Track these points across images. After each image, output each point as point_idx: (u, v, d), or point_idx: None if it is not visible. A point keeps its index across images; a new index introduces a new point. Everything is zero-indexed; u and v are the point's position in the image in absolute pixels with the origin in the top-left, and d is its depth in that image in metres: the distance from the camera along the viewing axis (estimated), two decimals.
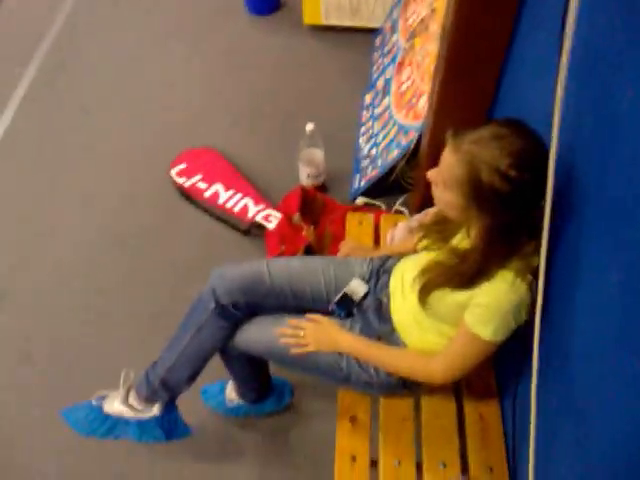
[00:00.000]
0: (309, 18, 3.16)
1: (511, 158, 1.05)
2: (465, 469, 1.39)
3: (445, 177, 1.14)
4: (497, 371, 1.56)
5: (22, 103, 3.00)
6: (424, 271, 1.27)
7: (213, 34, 3.32)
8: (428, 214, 1.80)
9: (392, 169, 2.27)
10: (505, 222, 1.12)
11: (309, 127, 2.34)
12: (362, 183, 2.43)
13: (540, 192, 0.98)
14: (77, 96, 3.03)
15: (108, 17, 3.47)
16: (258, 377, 1.75)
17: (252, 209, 2.40)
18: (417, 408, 1.50)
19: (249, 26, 3.33)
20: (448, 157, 1.13)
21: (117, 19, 3.46)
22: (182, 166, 2.61)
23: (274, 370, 1.79)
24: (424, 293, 1.26)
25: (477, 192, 1.09)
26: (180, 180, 2.56)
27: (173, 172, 2.59)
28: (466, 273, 1.18)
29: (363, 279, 1.54)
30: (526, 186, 1.05)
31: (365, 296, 1.51)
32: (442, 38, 1.61)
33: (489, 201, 1.09)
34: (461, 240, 1.30)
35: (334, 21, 3.15)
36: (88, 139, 2.83)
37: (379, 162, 2.38)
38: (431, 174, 1.19)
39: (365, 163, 2.51)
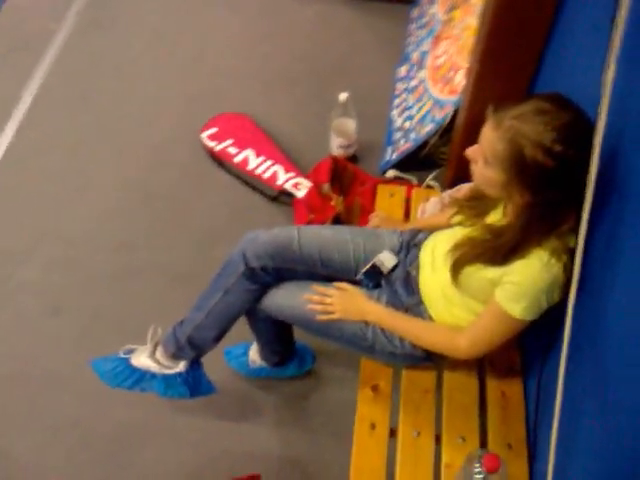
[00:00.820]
0: None
1: (555, 133, 1.03)
2: (484, 444, 1.41)
3: (486, 154, 1.13)
4: (522, 349, 1.57)
5: (55, 60, 3.01)
6: (457, 246, 1.27)
7: (249, 0, 3.29)
8: (461, 190, 1.79)
9: (425, 143, 2.25)
10: (547, 199, 1.10)
11: (342, 97, 2.32)
12: (394, 156, 2.41)
13: (584, 169, 0.97)
14: (111, 55, 3.03)
15: None
16: (282, 341, 1.78)
17: (282, 176, 2.40)
18: (439, 381, 1.52)
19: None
20: (489, 133, 1.12)
21: None
22: (213, 130, 2.62)
23: (297, 335, 1.81)
24: (456, 268, 1.26)
25: (520, 168, 1.08)
26: (211, 144, 2.56)
27: (204, 135, 2.60)
28: (500, 250, 1.17)
29: (392, 251, 1.54)
30: (570, 162, 1.04)
31: (394, 268, 1.51)
32: (484, 10, 1.58)
33: (532, 177, 1.08)
34: (496, 216, 1.29)
35: None
36: (121, 98, 2.84)
37: (412, 135, 2.36)
38: (471, 151, 1.18)
39: (398, 135, 2.49)
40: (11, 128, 2.72)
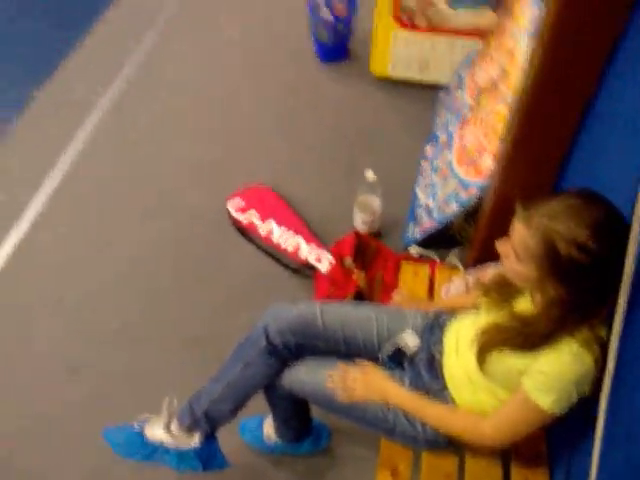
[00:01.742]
0: (377, 69, 3.24)
1: (589, 229, 1.04)
2: None
3: (518, 250, 1.14)
4: (549, 436, 1.51)
5: (99, 121, 3.13)
6: (484, 332, 1.26)
7: (281, 75, 3.42)
8: (486, 270, 1.78)
9: (449, 223, 2.27)
10: (580, 292, 1.10)
11: (369, 175, 2.37)
12: (417, 233, 2.43)
13: (618, 262, 0.97)
14: (148, 121, 3.15)
15: (186, 43, 3.62)
16: (299, 417, 1.74)
17: (304, 249, 2.42)
18: (461, 466, 1.46)
19: (317, 72, 3.42)
20: (520, 230, 1.13)
21: (193, 47, 3.60)
22: (238, 199, 2.67)
23: (313, 411, 1.77)
24: (483, 354, 1.24)
25: (554, 265, 1.08)
26: (235, 213, 2.61)
27: (230, 205, 2.65)
28: (529, 338, 1.16)
29: (416, 331, 1.53)
30: (605, 257, 1.04)
31: (417, 349, 1.50)
32: (516, 100, 1.63)
33: (566, 273, 1.08)
34: (524, 303, 1.28)
35: (401, 74, 3.21)
36: (153, 163, 2.93)
37: (436, 214, 2.38)
38: (501, 246, 1.19)
39: (421, 213, 2.52)
40: (50, 186, 2.81)
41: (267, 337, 1.48)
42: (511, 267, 1.18)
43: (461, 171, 2.33)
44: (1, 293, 2.41)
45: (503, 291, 1.34)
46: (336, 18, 3.26)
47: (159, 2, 3.93)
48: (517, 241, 1.13)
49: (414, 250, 2.38)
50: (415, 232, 2.46)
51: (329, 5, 3.26)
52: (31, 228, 2.64)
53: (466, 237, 2.32)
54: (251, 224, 2.56)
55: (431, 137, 2.90)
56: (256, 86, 3.36)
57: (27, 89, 3.32)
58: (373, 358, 1.52)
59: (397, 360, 1.50)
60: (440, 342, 1.46)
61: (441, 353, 1.44)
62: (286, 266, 2.42)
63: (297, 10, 3.57)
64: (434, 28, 3.00)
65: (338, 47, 3.44)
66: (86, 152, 2.99)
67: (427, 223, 2.43)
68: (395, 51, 3.11)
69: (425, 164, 2.78)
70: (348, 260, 2.24)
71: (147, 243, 2.57)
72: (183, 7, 3.90)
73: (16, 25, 3.81)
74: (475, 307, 1.42)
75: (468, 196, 2.17)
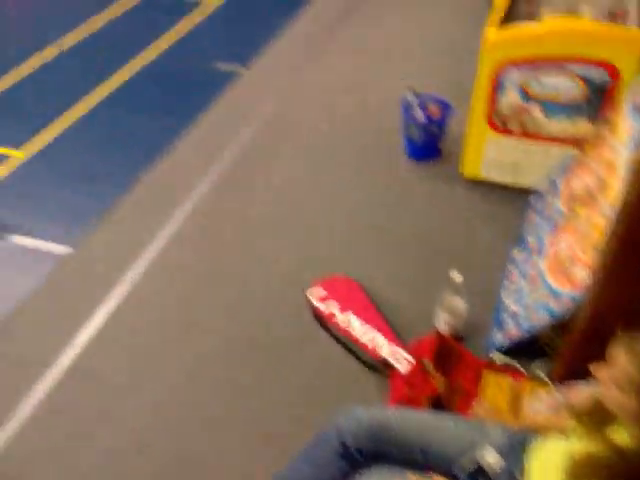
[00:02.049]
0: (467, 171, 3.26)
1: None
2: None
3: (619, 379, 1.07)
4: None
5: (192, 210, 3.29)
6: (577, 463, 1.16)
7: (368, 168, 3.50)
8: (577, 391, 1.67)
9: (537, 333, 2.17)
10: None
11: (455, 276, 2.33)
12: (501, 340, 2.33)
13: None
14: (240, 208, 3.28)
15: (273, 143, 3.81)
16: None
17: (383, 345, 2.38)
18: None
19: (406, 169, 3.48)
20: (623, 358, 1.07)
21: (280, 147, 3.77)
22: (319, 289, 2.68)
23: None
24: None
25: None
26: (315, 302, 2.62)
27: (310, 293, 2.66)
28: (628, 475, 1.06)
29: (498, 449, 1.43)
30: None
31: (500, 471, 1.39)
32: (618, 217, 1.57)
33: None
34: (621, 433, 1.18)
35: (492, 177, 3.21)
36: (240, 248, 3.02)
37: (523, 322, 2.29)
38: (600, 373, 1.13)
39: (507, 319, 2.43)
40: (140, 267, 2.95)
41: (341, 440, 1.44)
42: (610, 396, 1.10)
43: (552, 280, 2.25)
44: (84, 365, 2.50)
45: (597, 417, 1.24)
46: (429, 119, 3.34)
47: (256, 100, 4.19)
48: (619, 369, 1.06)
49: (497, 358, 2.28)
50: (500, 339, 2.37)
51: (423, 106, 3.36)
52: (118, 306, 2.75)
53: (554, 350, 2.20)
54: (331, 314, 2.55)
55: (520, 241, 2.83)
56: (343, 179, 3.45)
57: (134, 172, 3.57)
58: (449, 471, 1.43)
59: (476, 478, 1.40)
60: (523, 465, 1.36)
61: (523, 477, 1.33)
62: (363, 361, 2.38)
63: (389, 105, 3.70)
64: (528, 134, 3.00)
65: (429, 146, 3.50)
66: (179, 237, 3.14)
67: (513, 330, 2.33)
68: (487, 154, 3.13)
69: (512, 268, 2.71)
70: (428, 362, 2.17)
71: (224, 327, 2.61)
72: (277, 105, 4.12)
73: (129, 112, 4.16)
74: (564, 430, 1.32)
75: (559, 307, 2.08)
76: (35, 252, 3.10)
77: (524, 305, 2.38)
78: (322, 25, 5.07)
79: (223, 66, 4.56)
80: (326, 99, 4.14)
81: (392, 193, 3.34)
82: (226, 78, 4.39)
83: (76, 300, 2.80)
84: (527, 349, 2.25)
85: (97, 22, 5.30)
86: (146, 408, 2.31)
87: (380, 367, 2.33)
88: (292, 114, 4.02)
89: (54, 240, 3.14)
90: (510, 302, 2.50)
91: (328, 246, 3.02)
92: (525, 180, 3.13)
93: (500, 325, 2.44)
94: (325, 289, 2.68)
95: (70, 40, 5.02)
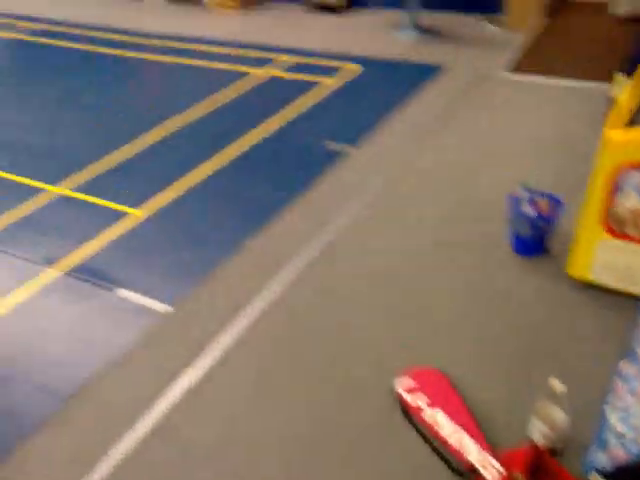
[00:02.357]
0: (574, 271, 3.11)
1: None
2: None
3: None
4: None
5: (291, 282, 3.36)
6: None
7: (471, 260, 3.43)
8: None
9: None
10: None
11: (555, 384, 2.18)
12: (604, 461, 2.13)
13: None
14: (336, 283, 3.30)
15: (374, 224, 3.84)
16: None
17: (471, 450, 2.24)
18: None
19: (511, 264, 3.38)
20: None
21: (381, 228, 3.80)
22: (408, 379, 2.60)
23: None
24: None
25: None
26: (403, 393, 2.53)
27: (398, 383, 2.58)
28: None
29: None
30: None
31: None
32: None
33: None
34: None
35: (602, 280, 3.04)
36: (329, 333, 3.02)
37: (631, 445, 2.08)
38: None
39: (611, 439, 2.22)
40: (229, 336, 3.01)
41: None
42: None
43: None
44: (170, 424, 2.54)
45: None
46: (538, 215, 3.26)
47: (363, 180, 4.28)
48: None
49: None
50: (601, 459, 2.16)
51: (532, 202, 3.29)
52: (209, 368, 2.81)
53: None
54: (418, 408, 2.45)
55: (629, 353, 2.63)
56: (443, 266, 3.40)
57: (241, 239, 3.71)
58: None
59: None
60: None
61: None
62: (448, 464, 2.25)
63: (497, 198, 3.65)
64: None
65: (535, 242, 3.39)
66: (275, 306, 3.19)
67: (617, 452, 2.12)
68: (599, 257, 2.98)
69: (619, 382, 2.50)
70: (519, 476, 2.01)
71: (305, 412, 2.58)
72: (382, 187, 4.18)
73: (242, 182, 4.37)
74: None
75: None
76: (138, 307, 3.25)
77: (632, 426, 2.17)
78: (433, 113, 5.17)
79: (334, 145, 4.73)
80: (432, 185, 4.16)
81: (494, 286, 3.24)
82: (336, 157, 4.55)
83: (169, 358, 2.89)
84: (634, 476, 2.03)
85: (221, 97, 5.71)
86: (227, 473, 2.29)
87: (466, 473, 2.19)
88: (396, 197, 4.06)
89: (157, 297, 3.29)
90: (615, 420, 2.30)
91: (422, 334, 2.94)
92: (637, 288, 2.94)
93: (603, 444, 2.24)
94: (414, 380, 2.59)
95: (196, 112, 5.43)
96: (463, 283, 3.27)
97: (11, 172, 4.57)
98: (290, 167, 4.54)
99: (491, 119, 5.01)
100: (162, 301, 3.26)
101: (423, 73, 5.97)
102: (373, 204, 3.98)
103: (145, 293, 3.33)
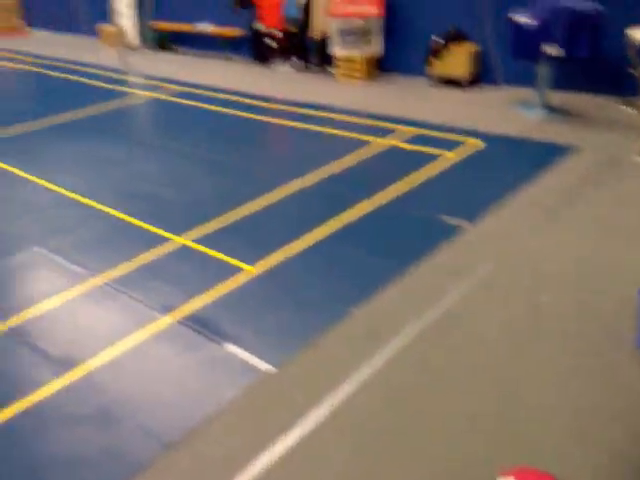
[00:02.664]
0: None
1: None
2: None
3: None
4: None
5: (403, 348, 3.28)
6: None
7: (586, 353, 3.19)
8: None
9: None
10: None
11: None
12: None
13: None
14: (441, 363, 3.18)
15: (483, 305, 3.68)
16: None
17: None
18: None
19: (633, 362, 3.10)
20: None
21: (490, 310, 3.63)
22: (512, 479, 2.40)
23: None
24: None
25: None
26: None
27: None
28: None
29: None
30: None
31: None
32: None
33: None
34: None
35: None
36: (436, 408, 2.89)
37: None
38: None
39: None
40: (327, 405, 2.96)
41: None
42: None
43: None
44: None
45: None
46: None
47: (476, 257, 4.15)
48: None
49: None
50: None
51: None
52: (305, 434, 2.76)
53: None
54: None
55: None
56: (555, 356, 3.18)
57: (347, 305, 3.70)
58: None
59: None
60: None
61: None
62: None
63: (622, 289, 3.40)
64: None
65: None
66: (374, 379, 3.11)
67: None
68: None
69: None
70: None
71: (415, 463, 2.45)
72: (495, 266, 4.03)
73: (352, 248, 4.40)
74: None
75: None
76: (242, 363, 3.30)
77: None
78: (557, 196, 4.99)
79: (449, 219, 4.66)
80: (550, 269, 3.96)
81: (609, 385, 2.97)
82: (450, 231, 4.47)
83: (268, 419, 2.88)
84: None
85: (342, 164, 5.86)
86: None
87: None
88: (509, 278, 3.90)
89: (261, 356, 3.32)
90: None
91: (526, 429, 2.74)
92: None
93: None
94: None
95: (316, 176, 5.60)
96: (573, 375, 3.03)
97: (142, 220, 4.90)
98: (403, 237, 4.52)
99: (620, 209, 4.74)
100: (266, 360, 3.29)
101: (549, 153, 5.81)
102: (484, 285, 3.84)
103: (250, 350, 3.38)
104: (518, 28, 6.57)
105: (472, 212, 4.72)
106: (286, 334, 3.53)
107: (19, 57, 11.45)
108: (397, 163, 5.90)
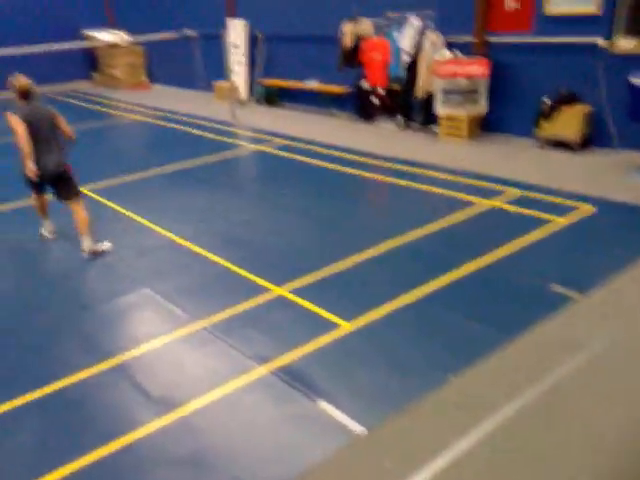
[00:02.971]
0: None
1: None
2: None
3: None
4: None
5: None
6: None
7: None
8: None
9: None
10: None
11: None
12: None
13: None
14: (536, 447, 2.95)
15: (594, 386, 3.40)
16: None
17: None
18: None
19: None
20: None
21: (603, 391, 3.34)
22: None
23: None
24: None
25: None
26: None
27: None
28: None
29: None
30: None
31: None
32: None
33: None
34: None
35: None
36: None
37: None
38: None
39: None
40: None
41: None
42: None
43: None
44: None
45: None
46: None
47: (585, 333, 3.88)
48: None
49: None
50: None
51: None
52: None
53: None
54: None
55: None
56: None
57: (444, 372, 3.56)
58: None
59: None
60: None
61: None
62: None
63: None
64: None
65: None
66: (470, 455, 2.93)
67: None
68: None
69: None
70: None
71: None
72: (608, 345, 3.74)
73: (451, 310, 4.26)
74: None
75: None
76: (334, 422, 3.23)
77: None
78: None
79: (557, 288, 4.42)
80: None
81: None
82: (558, 301, 4.23)
83: None
84: None
85: (443, 223, 5.77)
86: None
87: None
88: (624, 356, 3.60)
89: (354, 417, 3.24)
90: None
91: None
92: None
93: None
94: None
95: (417, 234, 5.54)
96: None
97: (242, 267, 5.03)
98: (506, 304, 4.33)
99: None
100: (357, 421, 3.20)
101: None
102: (596, 362, 3.56)
103: (342, 409, 3.31)
104: (638, 91, 6.32)
105: (583, 282, 4.45)
106: (378, 396, 3.43)
107: (140, 109, 12.39)
108: (501, 225, 5.74)
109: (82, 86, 15.53)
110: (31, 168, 5.13)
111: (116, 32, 14.96)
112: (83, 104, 13.38)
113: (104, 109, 12.73)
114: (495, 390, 2.91)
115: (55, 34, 13.72)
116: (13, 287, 5.04)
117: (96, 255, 5.37)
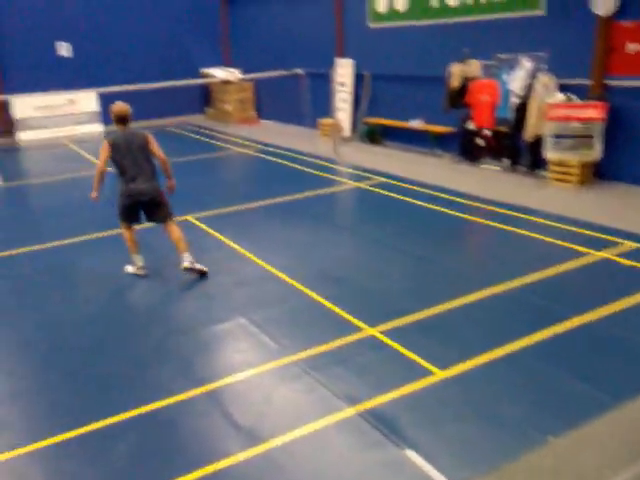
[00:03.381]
0: None
1: None
2: None
3: None
4: None
5: None
6: None
7: None
8: None
9: None
10: None
11: None
12: None
13: None
14: None
15: None
16: None
17: None
18: None
19: None
20: None
21: None
22: None
23: None
24: None
25: None
26: None
27: None
28: None
29: None
30: None
31: None
32: None
33: None
34: None
35: None
36: None
37: None
38: None
39: None
40: None
41: None
42: None
43: None
44: None
45: None
46: None
47: None
48: None
49: None
50: None
51: None
52: None
53: None
54: None
55: None
56: None
57: (540, 432, 3.33)
58: None
59: None
60: None
61: None
62: None
63: None
64: None
65: None
66: None
67: None
68: None
69: None
70: None
71: None
72: None
73: (550, 366, 3.99)
74: None
75: None
76: (420, 473, 3.10)
77: None
78: None
79: None
80: None
81: None
82: None
83: None
84: None
85: (549, 273, 5.47)
86: None
87: None
88: None
89: (442, 470, 3.09)
90: None
91: None
92: None
93: None
94: None
95: (520, 282, 5.28)
96: None
97: (336, 304, 5.01)
98: (615, 365, 4.00)
99: None
100: (446, 475, 3.05)
101: None
102: None
103: (429, 460, 3.17)
104: None
105: None
106: (469, 450, 3.26)
107: (248, 143, 12.87)
108: (614, 279, 5.36)
109: (195, 119, 16.39)
110: (96, 195, 5.55)
111: (230, 70, 15.75)
112: (195, 136, 14.11)
113: (213, 141, 13.34)
114: (599, 459, 2.68)
115: (178, 72, 14.97)
116: (120, 312, 5.30)
117: (193, 272, 5.55)
